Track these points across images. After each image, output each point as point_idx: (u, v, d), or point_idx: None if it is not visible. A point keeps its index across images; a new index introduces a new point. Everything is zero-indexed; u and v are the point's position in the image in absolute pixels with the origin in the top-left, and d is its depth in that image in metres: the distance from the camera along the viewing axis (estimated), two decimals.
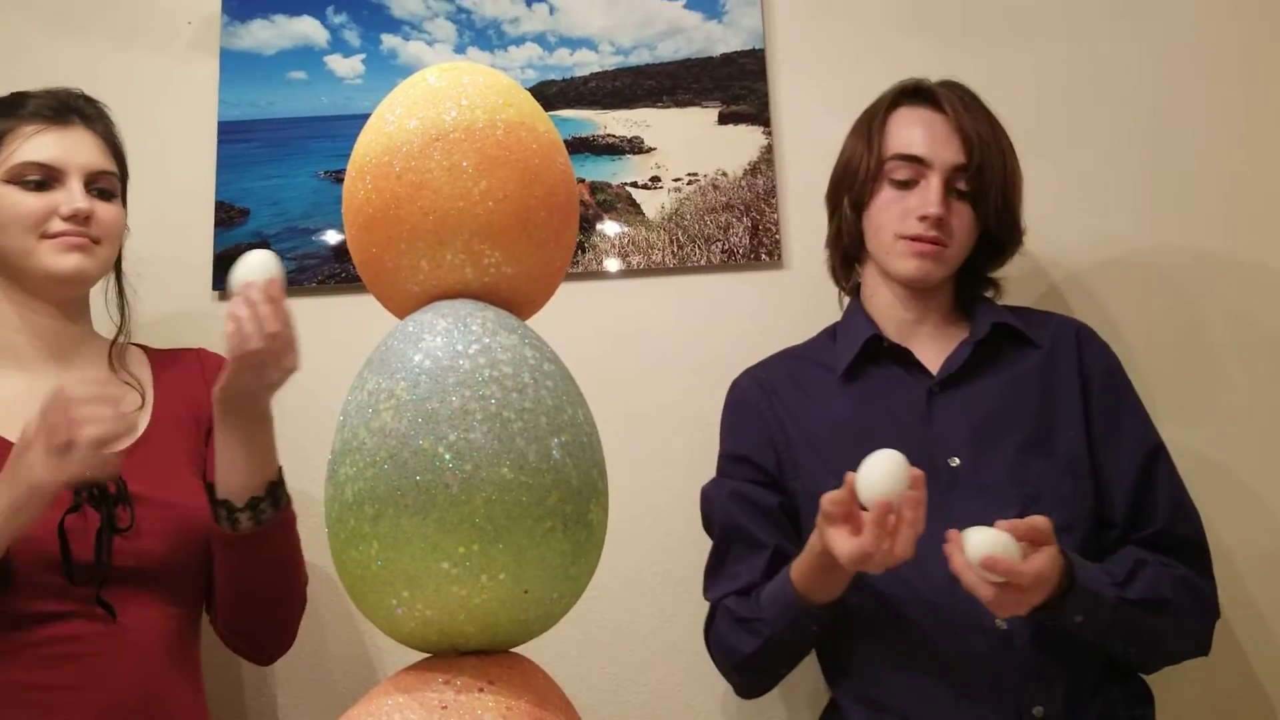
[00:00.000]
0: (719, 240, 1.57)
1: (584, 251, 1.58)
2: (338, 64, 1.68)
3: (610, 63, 1.65)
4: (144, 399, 1.24)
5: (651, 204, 1.60)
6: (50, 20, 1.72)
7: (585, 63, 1.65)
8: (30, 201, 1.16)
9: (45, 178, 1.17)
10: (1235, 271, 1.51)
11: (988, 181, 1.21)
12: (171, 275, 1.57)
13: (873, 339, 1.26)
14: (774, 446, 1.26)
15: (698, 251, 1.57)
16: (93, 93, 1.29)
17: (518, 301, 0.83)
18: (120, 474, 1.11)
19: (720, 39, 1.64)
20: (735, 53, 1.63)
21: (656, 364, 1.55)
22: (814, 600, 1.11)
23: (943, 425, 1.20)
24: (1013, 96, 1.64)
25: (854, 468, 1.14)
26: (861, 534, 0.99)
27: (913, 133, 1.24)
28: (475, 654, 0.74)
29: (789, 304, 1.55)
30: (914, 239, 1.21)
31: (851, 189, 1.28)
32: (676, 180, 1.60)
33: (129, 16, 1.72)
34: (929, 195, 1.20)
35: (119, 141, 1.27)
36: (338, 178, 1.65)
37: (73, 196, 1.17)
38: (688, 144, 1.62)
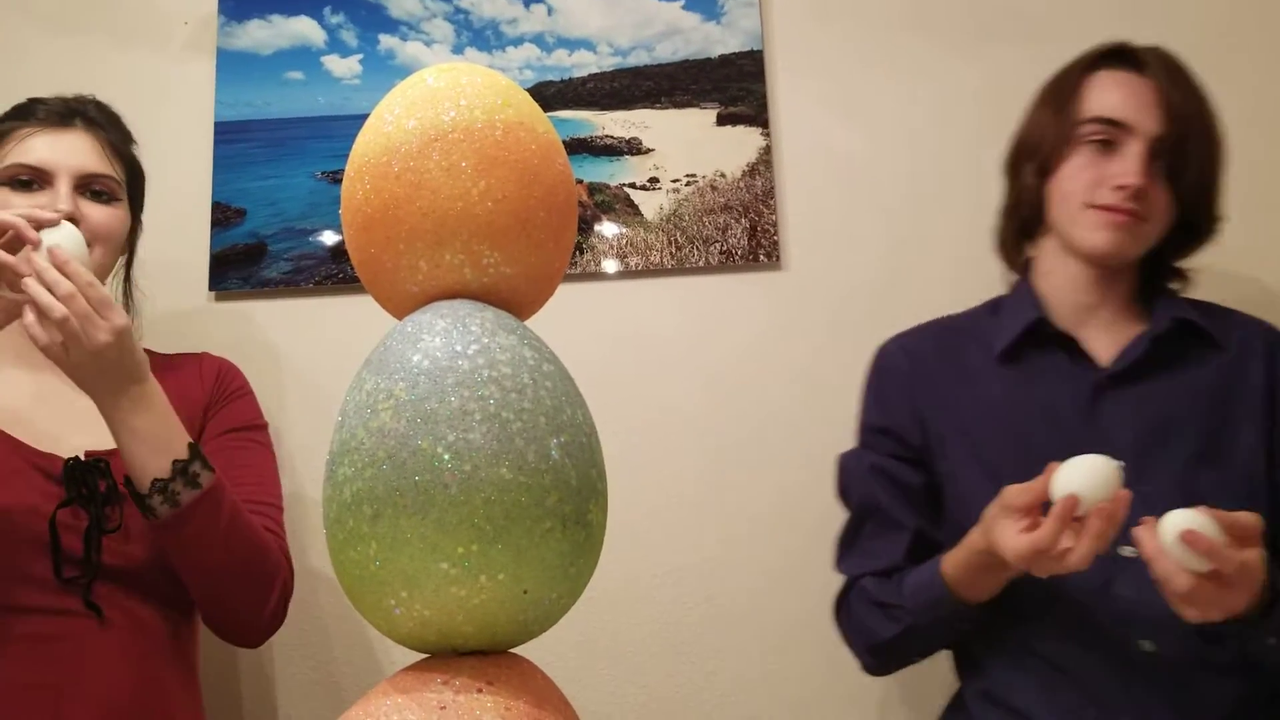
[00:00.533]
0: (717, 241, 1.57)
1: (582, 253, 1.58)
2: (335, 64, 1.68)
3: (608, 64, 1.65)
4: None
5: (650, 205, 1.60)
6: (47, 21, 1.72)
7: (583, 64, 1.65)
8: (15, 203, 1.16)
9: (33, 179, 1.17)
10: (1236, 271, 1.51)
11: (1189, 157, 1.11)
12: (167, 275, 1.57)
13: (1038, 322, 1.16)
14: (921, 421, 1.19)
15: (696, 253, 1.57)
16: (91, 93, 1.29)
17: (516, 302, 0.83)
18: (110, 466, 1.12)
19: (719, 40, 1.64)
20: (733, 54, 1.63)
21: (655, 365, 1.55)
22: (964, 598, 1.05)
23: (1108, 423, 1.11)
24: (1014, 97, 1.63)
25: (1003, 456, 1.07)
26: (1037, 529, 0.91)
27: (1114, 95, 1.14)
28: (474, 654, 0.74)
29: (787, 305, 1.55)
30: (1107, 209, 1.11)
31: (1036, 155, 1.18)
32: (675, 181, 1.60)
33: (126, 17, 1.72)
34: (1129, 163, 1.10)
35: (126, 147, 1.28)
36: (335, 178, 1.64)
37: (57, 199, 1.16)
38: (686, 145, 1.62)
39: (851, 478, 1.23)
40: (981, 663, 1.14)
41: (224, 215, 1.64)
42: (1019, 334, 1.16)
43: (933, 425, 1.18)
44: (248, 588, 1.14)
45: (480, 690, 0.69)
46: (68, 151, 1.19)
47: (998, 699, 1.11)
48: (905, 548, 1.15)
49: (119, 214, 1.24)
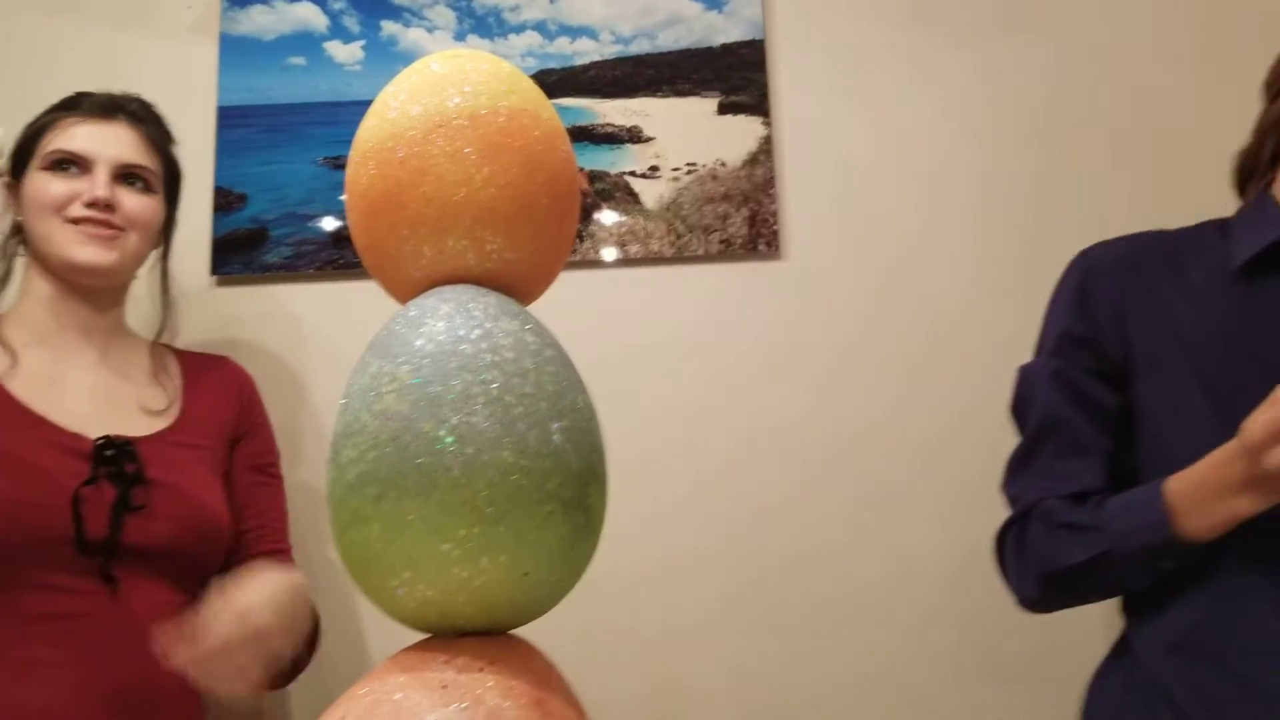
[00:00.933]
0: (717, 230, 1.57)
1: (582, 240, 1.58)
2: (337, 50, 1.68)
3: (610, 52, 1.65)
4: (176, 394, 1.28)
5: (650, 193, 1.60)
6: (50, 4, 1.72)
7: (585, 51, 1.65)
8: (56, 185, 1.21)
9: (73, 163, 1.22)
10: None
11: None
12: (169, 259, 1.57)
13: None
14: (1128, 335, 1.05)
15: (696, 241, 1.57)
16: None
17: (519, 288, 0.83)
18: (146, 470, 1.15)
19: (720, 29, 1.64)
20: (735, 43, 1.63)
21: (653, 354, 1.56)
22: (1183, 529, 0.92)
23: None
24: (1014, 89, 1.64)
25: (1229, 376, 0.98)
26: None
27: None
28: (474, 635, 0.75)
29: (786, 295, 1.56)
30: None
31: None
32: (675, 170, 1.61)
33: (129, 1, 1.71)
34: None
35: (165, 144, 1.32)
36: (336, 164, 1.65)
37: (95, 185, 1.21)
38: (687, 134, 1.62)
39: (1035, 389, 1.10)
40: (1167, 607, 1.00)
41: (226, 200, 1.64)
42: (1267, 245, 1.02)
43: (1140, 338, 1.05)
44: (303, 658, 1.24)
45: (482, 669, 0.70)
46: (108, 141, 1.24)
47: (1189, 650, 0.97)
48: (1101, 471, 1.03)
49: (154, 204, 1.28)
